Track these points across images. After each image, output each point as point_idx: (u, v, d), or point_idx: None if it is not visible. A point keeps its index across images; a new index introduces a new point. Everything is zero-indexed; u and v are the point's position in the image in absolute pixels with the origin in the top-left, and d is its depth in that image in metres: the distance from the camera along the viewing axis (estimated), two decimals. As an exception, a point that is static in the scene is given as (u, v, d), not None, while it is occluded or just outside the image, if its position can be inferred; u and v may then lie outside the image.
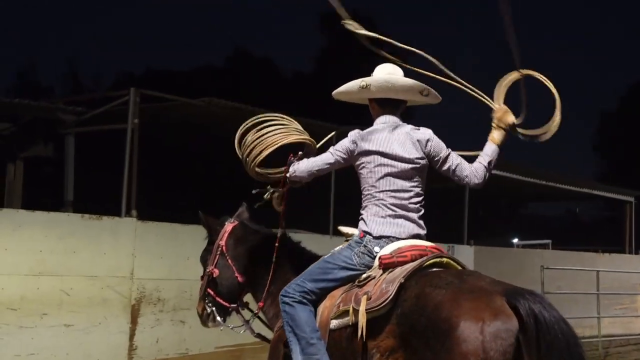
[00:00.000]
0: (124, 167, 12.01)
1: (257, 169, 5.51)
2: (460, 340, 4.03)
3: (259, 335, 5.87)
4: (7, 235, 9.45)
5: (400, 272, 4.62)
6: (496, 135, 5.19)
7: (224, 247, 5.83)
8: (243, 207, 6.04)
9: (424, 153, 5.09)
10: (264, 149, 5.45)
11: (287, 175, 5.39)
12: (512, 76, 5.27)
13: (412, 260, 4.74)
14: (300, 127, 5.65)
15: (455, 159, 5.18)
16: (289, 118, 5.67)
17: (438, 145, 5.14)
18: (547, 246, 26.12)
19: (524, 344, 4.04)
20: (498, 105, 5.22)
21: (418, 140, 5.09)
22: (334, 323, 4.82)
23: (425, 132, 5.15)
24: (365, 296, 4.61)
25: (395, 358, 4.38)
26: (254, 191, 5.67)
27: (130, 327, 10.55)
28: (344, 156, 5.15)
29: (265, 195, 5.60)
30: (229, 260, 5.81)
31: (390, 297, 4.48)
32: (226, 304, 5.87)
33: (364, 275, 4.85)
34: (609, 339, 17.08)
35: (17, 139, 14.98)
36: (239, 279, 5.78)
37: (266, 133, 5.52)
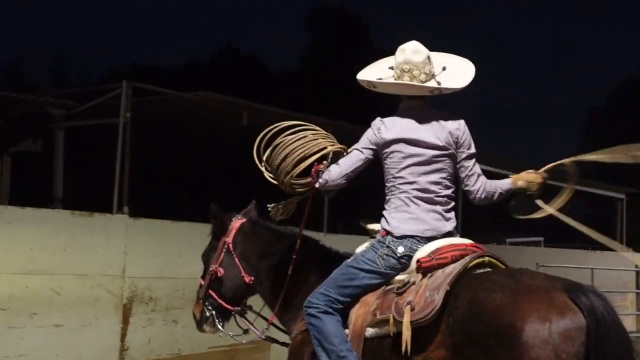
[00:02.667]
0: (116, 162, 11.76)
1: (293, 180, 5.05)
2: (528, 346, 3.80)
3: (268, 338, 5.52)
4: (-5, 232, 9.16)
5: (443, 278, 4.32)
6: (520, 183, 5.00)
7: (230, 245, 5.40)
8: (252, 205, 5.65)
9: (452, 141, 4.77)
10: (307, 155, 4.98)
11: (317, 185, 4.95)
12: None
13: (453, 262, 4.45)
14: (329, 134, 5.25)
15: (476, 166, 4.89)
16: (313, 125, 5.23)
17: (468, 137, 4.84)
18: (540, 244, 26.05)
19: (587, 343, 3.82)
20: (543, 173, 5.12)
21: (448, 126, 4.78)
22: (370, 331, 4.51)
23: (458, 120, 4.85)
24: (408, 306, 4.30)
25: None
26: (269, 206, 5.33)
27: (121, 327, 10.28)
28: (373, 147, 4.83)
29: (282, 207, 5.26)
30: (236, 259, 5.38)
31: (437, 306, 4.20)
32: (229, 307, 5.47)
33: (400, 278, 4.54)
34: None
35: (4, 134, 14.68)
36: (246, 279, 5.36)
37: (304, 137, 5.06)
